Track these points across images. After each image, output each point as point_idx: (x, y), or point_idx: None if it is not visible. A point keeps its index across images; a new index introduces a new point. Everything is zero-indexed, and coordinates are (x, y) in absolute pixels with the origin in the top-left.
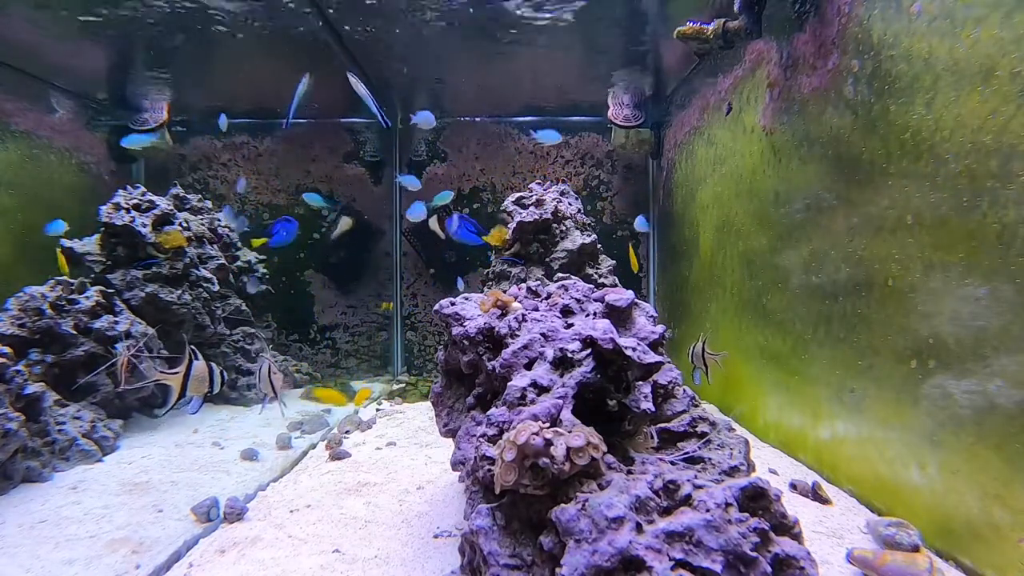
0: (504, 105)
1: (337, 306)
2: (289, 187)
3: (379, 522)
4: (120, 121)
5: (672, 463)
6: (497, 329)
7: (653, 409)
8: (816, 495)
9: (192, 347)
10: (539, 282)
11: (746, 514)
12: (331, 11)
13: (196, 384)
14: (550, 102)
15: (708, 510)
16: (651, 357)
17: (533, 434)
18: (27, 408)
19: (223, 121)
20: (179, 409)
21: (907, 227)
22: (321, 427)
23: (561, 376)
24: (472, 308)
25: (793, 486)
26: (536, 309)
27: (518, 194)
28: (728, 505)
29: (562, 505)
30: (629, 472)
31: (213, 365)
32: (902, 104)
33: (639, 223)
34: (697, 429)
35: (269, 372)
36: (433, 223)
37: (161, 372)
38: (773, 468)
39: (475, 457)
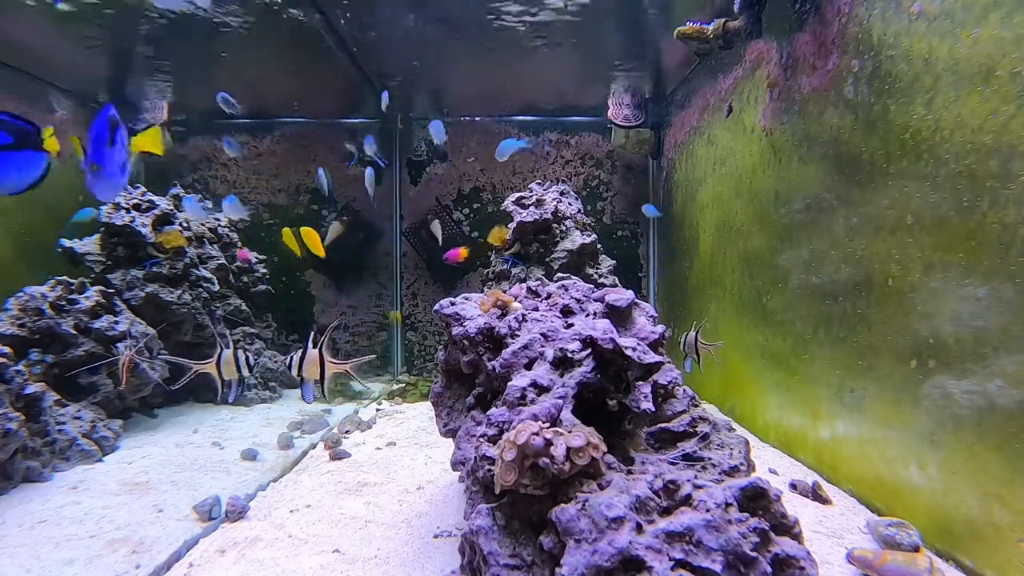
0: (504, 105)
1: (337, 306)
2: (289, 187)
3: (379, 522)
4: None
5: (672, 463)
6: (497, 329)
7: (653, 409)
8: (816, 495)
9: (224, 335)
10: (539, 282)
11: (746, 514)
12: (335, 17)
13: (227, 368)
14: (550, 102)
15: (708, 510)
16: (651, 357)
17: (533, 434)
18: (27, 408)
19: (229, 145)
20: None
21: (907, 227)
22: (321, 427)
23: (561, 376)
24: (472, 308)
25: (793, 486)
26: (536, 309)
27: (518, 194)
28: (728, 505)
29: (562, 505)
30: (629, 472)
31: (239, 352)
32: (902, 104)
33: (648, 209)
34: (697, 429)
35: (303, 356)
36: (435, 227)
37: (198, 364)
38: (773, 468)
39: (475, 457)
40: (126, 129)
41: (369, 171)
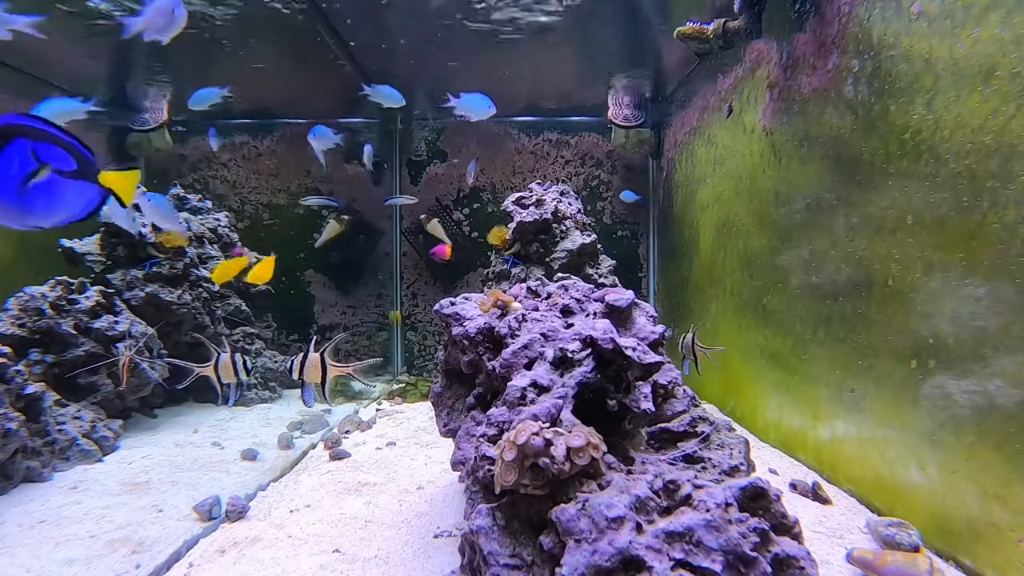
0: (504, 105)
1: (337, 306)
2: (289, 187)
3: (379, 522)
4: (120, 121)
5: (672, 463)
6: (497, 329)
7: (653, 409)
8: (816, 495)
9: (221, 337)
10: (539, 282)
11: (746, 514)
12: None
13: (225, 372)
14: (550, 102)
15: (708, 510)
16: (651, 357)
17: (533, 434)
18: (27, 408)
19: (214, 139)
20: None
21: (907, 227)
22: (321, 427)
23: (561, 376)
24: (472, 308)
25: (793, 486)
26: (536, 309)
27: (518, 194)
28: (728, 505)
29: (562, 505)
30: (629, 472)
31: (236, 356)
32: (902, 104)
33: (626, 195)
34: (697, 429)
35: (303, 360)
36: (435, 226)
37: (198, 367)
38: (773, 468)
39: (475, 457)
40: (72, 157)
41: (368, 146)
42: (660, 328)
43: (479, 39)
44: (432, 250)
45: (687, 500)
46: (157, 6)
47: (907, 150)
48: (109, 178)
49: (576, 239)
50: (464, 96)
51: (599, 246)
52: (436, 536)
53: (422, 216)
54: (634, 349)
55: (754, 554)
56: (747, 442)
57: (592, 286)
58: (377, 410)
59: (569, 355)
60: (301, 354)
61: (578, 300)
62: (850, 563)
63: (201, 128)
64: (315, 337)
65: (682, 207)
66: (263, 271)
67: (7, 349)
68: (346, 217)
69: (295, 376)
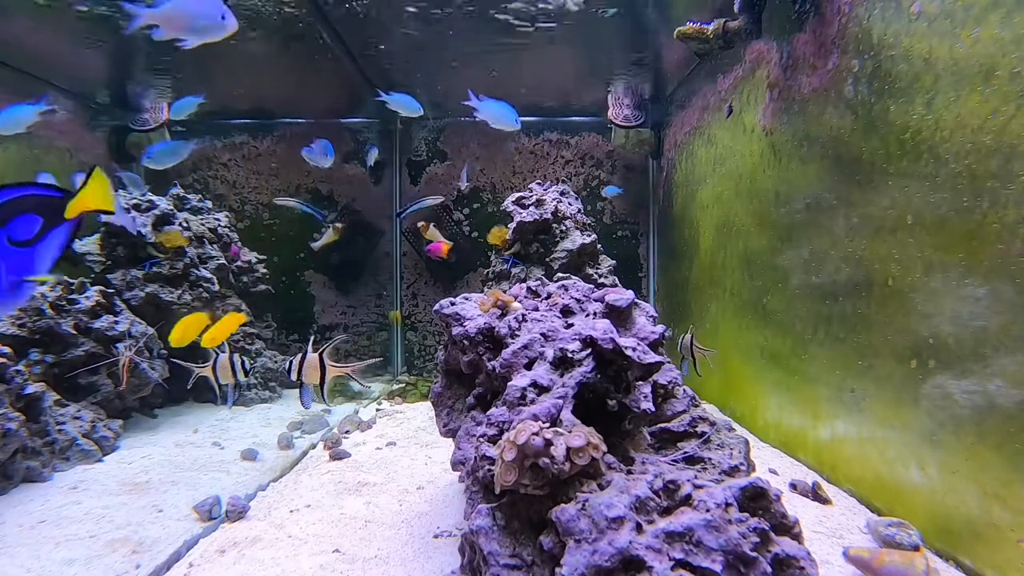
0: None
1: (337, 306)
2: (289, 187)
3: (379, 522)
4: (120, 121)
5: (672, 463)
6: (497, 329)
7: (653, 409)
8: (816, 495)
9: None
10: (539, 282)
11: (746, 514)
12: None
13: (223, 372)
14: (550, 102)
15: (708, 510)
16: (651, 357)
17: (533, 434)
18: (27, 408)
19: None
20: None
21: (907, 227)
22: (321, 427)
23: (561, 376)
24: (472, 308)
25: (793, 486)
26: (536, 309)
27: (518, 194)
28: (728, 505)
29: (562, 505)
30: (629, 472)
31: (235, 357)
32: (902, 104)
33: (609, 191)
34: (697, 429)
35: (301, 361)
36: (434, 232)
37: (197, 367)
38: (773, 468)
39: (475, 457)
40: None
41: (372, 148)
42: (660, 328)
43: (479, 38)
44: (428, 247)
45: (687, 500)
46: (183, 5)
47: (907, 150)
48: (76, 206)
49: (576, 239)
50: (487, 100)
51: (599, 246)
52: (436, 536)
53: (419, 223)
54: (634, 349)
55: (754, 554)
56: (747, 442)
57: (592, 286)
58: (377, 410)
59: (569, 355)
60: (299, 355)
61: (578, 300)
62: (846, 560)
63: (201, 129)
64: (313, 337)
65: (682, 207)
66: (222, 332)
67: (7, 349)
68: (340, 225)
69: (293, 377)
